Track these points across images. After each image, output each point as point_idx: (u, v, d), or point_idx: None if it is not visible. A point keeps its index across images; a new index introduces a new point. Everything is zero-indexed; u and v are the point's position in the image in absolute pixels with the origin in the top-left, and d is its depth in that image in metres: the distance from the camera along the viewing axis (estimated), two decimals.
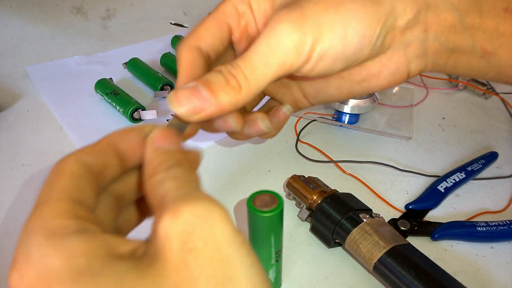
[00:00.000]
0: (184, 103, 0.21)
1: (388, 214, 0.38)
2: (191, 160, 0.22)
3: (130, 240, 0.17)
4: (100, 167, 0.19)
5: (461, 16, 0.25)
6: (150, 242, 0.16)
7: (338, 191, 0.35)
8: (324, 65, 0.24)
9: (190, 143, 0.46)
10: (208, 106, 0.21)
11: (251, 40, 0.27)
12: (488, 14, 0.25)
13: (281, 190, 0.40)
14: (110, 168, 0.19)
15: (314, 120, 0.49)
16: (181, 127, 0.23)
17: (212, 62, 0.26)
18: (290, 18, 0.22)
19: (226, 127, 0.26)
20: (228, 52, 0.28)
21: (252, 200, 0.26)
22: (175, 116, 0.22)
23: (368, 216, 0.32)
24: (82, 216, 0.16)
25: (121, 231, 0.22)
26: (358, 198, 0.35)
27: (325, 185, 0.36)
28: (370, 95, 0.46)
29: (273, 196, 0.26)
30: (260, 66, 0.22)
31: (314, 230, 0.35)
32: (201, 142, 0.45)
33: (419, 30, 0.25)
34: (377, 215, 0.33)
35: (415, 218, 0.37)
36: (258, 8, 0.26)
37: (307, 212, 0.35)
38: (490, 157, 0.43)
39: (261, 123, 0.27)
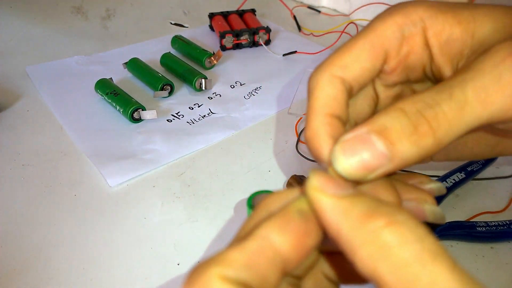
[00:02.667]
0: (350, 157, 0.15)
1: None
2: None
3: None
4: (257, 283, 0.14)
5: None
6: None
7: None
8: None
9: (189, 147, 0.46)
10: (385, 162, 0.15)
11: (408, 71, 0.21)
12: None
13: None
14: (269, 283, 0.14)
15: None
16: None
17: (352, 97, 0.20)
18: None
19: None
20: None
21: (252, 200, 0.26)
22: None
23: None
24: None
25: None
26: None
27: None
28: None
29: None
30: (474, 105, 0.16)
31: None
32: (201, 142, 0.45)
33: None
34: None
35: None
36: (440, 34, 0.19)
37: None
38: (489, 157, 0.43)
39: (429, 211, 0.19)
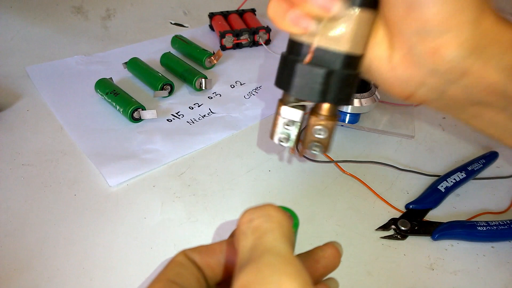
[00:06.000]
0: None
1: (389, 214, 0.38)
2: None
3: None
4: (204, 265, 0.22)
5: (506, 85, 0.23)
6: None
7: None
8: None
9: (188, 143, 0.46)
10: None
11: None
12: None
13: (282, 190, 0.40)
14: (213, 269, 0.22)
15: None
16: None
17: None
18: None
19: None
20: None
21: None
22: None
23: None
24: None
25: None
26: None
27: None
28: (371, 94, 0.46)
29: (288, 214, 0.25)
30: None
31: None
32: (201, 142, 0.45)
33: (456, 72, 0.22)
34: None
35: (415, 218, 0.37)
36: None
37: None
38: (490, 157, 0.43)
39: None
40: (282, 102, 0.26)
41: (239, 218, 0.20)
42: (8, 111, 0.49)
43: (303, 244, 0.35)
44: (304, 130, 0.27)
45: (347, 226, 0.37)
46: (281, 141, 0.27)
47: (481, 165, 0.41)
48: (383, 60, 0.24)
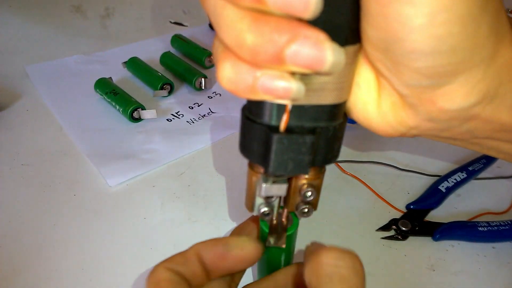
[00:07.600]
0: None
1: (389, 214, 0.38)
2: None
3: None
4: (189, 275, 0.21)
5: None
6: None
7: None
8: None
9: (188, 144, 0.46)
10: None
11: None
12: None
13: None
14: (197, 277, 0.22)
15: None
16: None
17: None
18: None
19: None
20: None
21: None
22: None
23: None
24: None
25: None
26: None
27: None
28: None
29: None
30: None
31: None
32: (201, 142, 0.45)
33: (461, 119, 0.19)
34: None
35: (416, 218, 0.37)
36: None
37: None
38: (491, 157, 0.42)
39: None
40: (254, 170, 0.22)
41: (320, 253, 0.19)
42: (7, 111, 0.49)
43: (303, 245, 0.35)
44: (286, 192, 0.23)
45: (347, 226, 0.37)
46: (263, 214, 0.23)
47: (482, 165, 0.41)
48: (369, 104, 0.20)
